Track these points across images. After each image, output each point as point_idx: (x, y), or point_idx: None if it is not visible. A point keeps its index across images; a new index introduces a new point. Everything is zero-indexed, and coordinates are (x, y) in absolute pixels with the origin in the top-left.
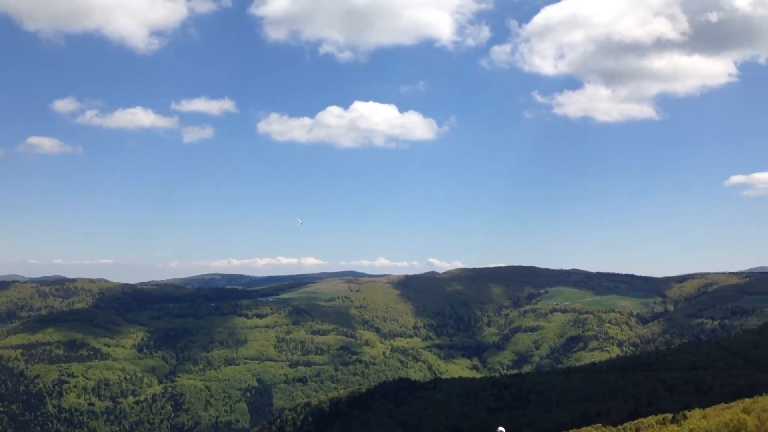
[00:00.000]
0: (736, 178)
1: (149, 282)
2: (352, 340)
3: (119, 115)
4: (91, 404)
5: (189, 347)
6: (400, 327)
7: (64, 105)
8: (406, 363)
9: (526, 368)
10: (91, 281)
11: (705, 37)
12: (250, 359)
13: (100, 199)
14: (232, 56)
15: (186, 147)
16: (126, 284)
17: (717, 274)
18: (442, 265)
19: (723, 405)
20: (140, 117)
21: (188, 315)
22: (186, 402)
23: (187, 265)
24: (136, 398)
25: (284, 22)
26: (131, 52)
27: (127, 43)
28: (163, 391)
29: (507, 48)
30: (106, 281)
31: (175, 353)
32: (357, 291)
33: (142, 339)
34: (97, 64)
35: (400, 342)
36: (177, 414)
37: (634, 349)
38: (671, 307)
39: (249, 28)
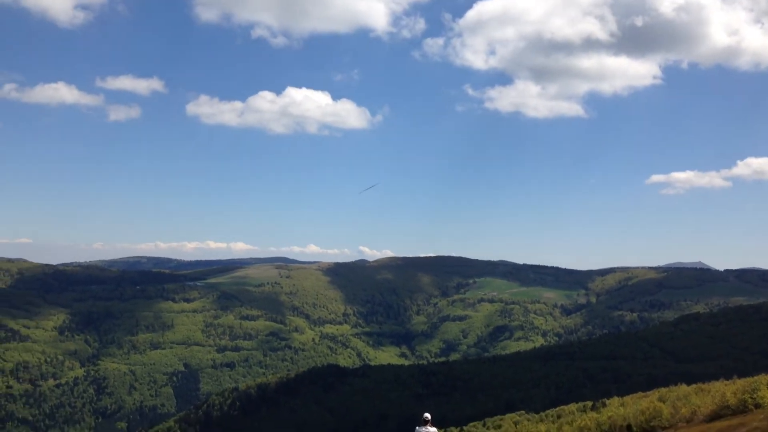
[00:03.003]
0: (656, 177)
1: (71, 263)
2: (282, 326)
3: (40, 90)
4: (9, 387)
5: (113, 331)
6: (330, 314)
7: None
8: (336, 350)
9: (454, 356)
10: (10, 261)
11: (632, 39)
12: (177, 344)
13: (20, 176)
14: (161, 35)
15: (111, 125)
16: (47, 264)
17: (637, 268)
18: (373, 253)
19: (640, 393)
20: (63, 93)
21: (112, 298)
22: (109, 386)
23: (111, 246)
24: (57, 381)
25: (216, 3)
26: (53, 24)
27: (49, 15)
28: (85, 374)
29: (440, 41)
30: (25, 261)
31: (98, 336)
32: (287, 277)
33: (64, 321)
34: (16, 36)
35: (329, 329)
36: (100, 398)
37: (557, 339)
38: (593, 299)
39: (179, 7)
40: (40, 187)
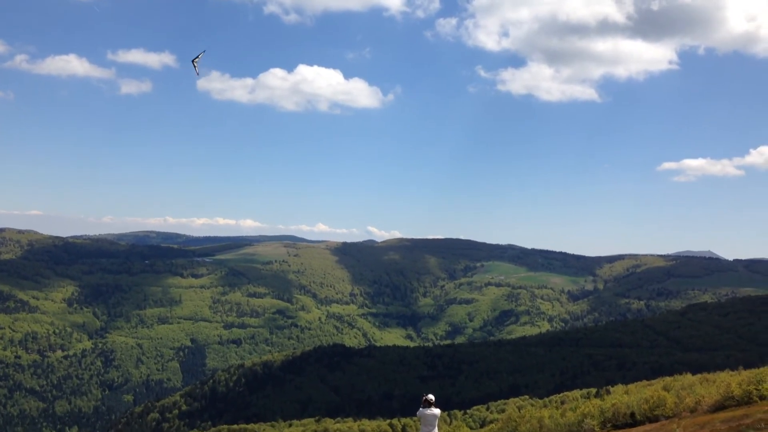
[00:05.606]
0: (668, 164)
1: (81, 236)
2: (289, 304)
3: (51, 61)
4: (18, 357)
5: (121, 304)
6: (337, 293)
7: None
8: (342, 329)
9: (459, 339)
10: (20, 232)
11: (648, 22)
12: (184, 319)
13: (31, 148)
14: (173, 9)
15: (123, 99)
16: (56, 237)
17: (646, 256)
18: (381, 233)
19: (644, 382)
20: (74, 65)
21: (121, 271)
22: (116, 359)
23: (121, 221)
24: (65, 353)
25: None
26: None
27: None
28: (93, 346)
29: (453, 21)
30: (35, 233)
31: (106, 309)
32: (295, 256)
33: (72, 294)
34: (28, 6)
35: (336, 308)
36: (107, 370)
37: (563, 324)
38: (601, 286)
39: None
40: (51, 160)
